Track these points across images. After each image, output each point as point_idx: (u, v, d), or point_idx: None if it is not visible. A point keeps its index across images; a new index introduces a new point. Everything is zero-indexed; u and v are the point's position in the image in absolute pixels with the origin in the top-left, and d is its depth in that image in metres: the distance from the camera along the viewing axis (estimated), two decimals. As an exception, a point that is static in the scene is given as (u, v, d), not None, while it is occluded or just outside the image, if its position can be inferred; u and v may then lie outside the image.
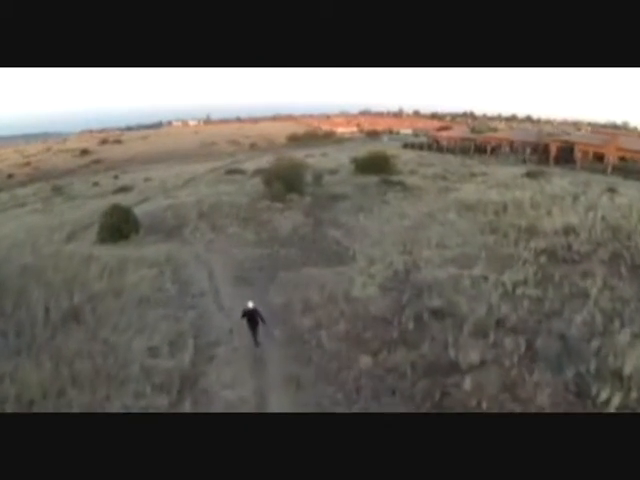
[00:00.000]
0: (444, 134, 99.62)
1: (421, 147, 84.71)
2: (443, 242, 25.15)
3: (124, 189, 59.98)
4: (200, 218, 34.51)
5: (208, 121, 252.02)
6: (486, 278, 19.47)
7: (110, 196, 55.97)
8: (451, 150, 76.62)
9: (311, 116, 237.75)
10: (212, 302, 20.64)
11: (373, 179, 44.13)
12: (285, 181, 38.99)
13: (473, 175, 47.59)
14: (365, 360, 14.78)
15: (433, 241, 25.38)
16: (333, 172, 52.53)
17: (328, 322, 17.46)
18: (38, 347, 16.99)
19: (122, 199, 49.43)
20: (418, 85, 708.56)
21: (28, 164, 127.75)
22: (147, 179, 69.21)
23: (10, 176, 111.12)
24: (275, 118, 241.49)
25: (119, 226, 32.45)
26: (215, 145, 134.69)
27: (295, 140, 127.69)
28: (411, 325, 16.49)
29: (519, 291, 17.97)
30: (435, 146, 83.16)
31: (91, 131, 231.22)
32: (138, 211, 38.91)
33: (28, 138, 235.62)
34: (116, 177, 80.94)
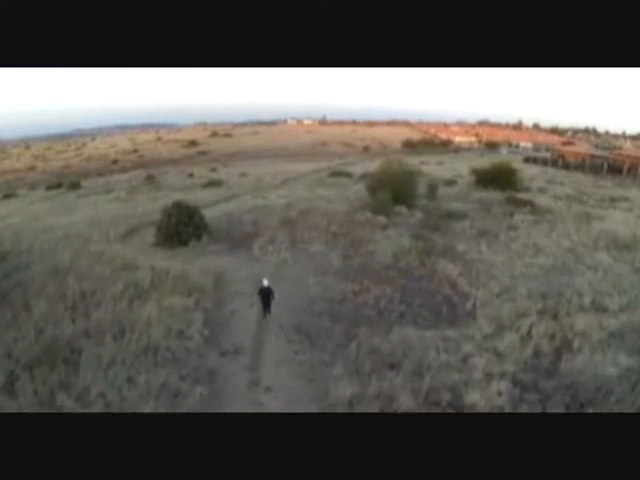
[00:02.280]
0: (571, 150, 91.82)
1: (545, 162, 75.63)
2: (601, 301, 17.26)
3: (214, 183, 55.87)
4: (282, 226, 28.20)
5: (323, 121, 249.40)
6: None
7: (198, 190, 52.30)
8: (578, 168, 67.71)
9: (428, 123, 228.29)
10: (241, 371, 13.74)
11: (497, 195, 36.41)
12: (393, 190, 31.69)
13: (613, 200, 38.57)
14: None
15: (586, 298, 17.44)
16: (450, 183, 45.50)
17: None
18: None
19: (207, 195, 46.71)
20: (537, 97, 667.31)
21: (135, 151, 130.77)
22: (243, 174, 64.90)
23: (115, 162, 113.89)
24: (391, 123, 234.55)
25: (177, 229, 27.33)
26: (326, 146, 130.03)
27: (410, 146, 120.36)
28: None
29: None
30: (561, 162, 73.94)
31: (206, 123, 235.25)
32: (216, 211, 34.98)
33: (146, 128, 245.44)
34: (213, 170, 77.40)
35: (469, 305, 17.67)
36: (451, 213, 31.19)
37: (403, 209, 31.17)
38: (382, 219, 28.67)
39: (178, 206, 28.01)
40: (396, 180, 32.92)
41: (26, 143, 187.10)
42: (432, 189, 37.50)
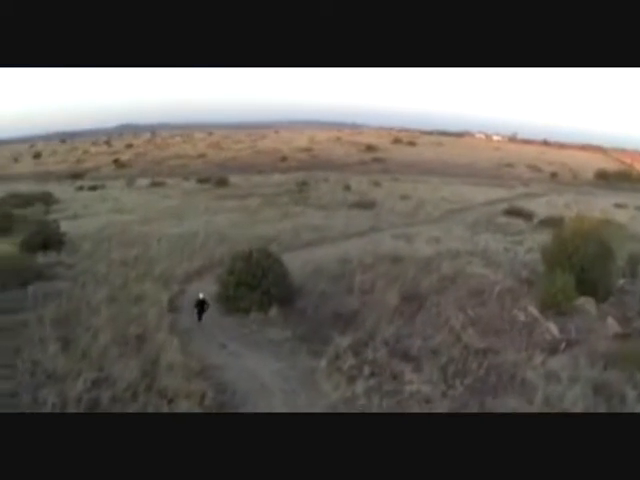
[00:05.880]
0: None
1: None
2: None
3: (364, 205, 47.44)
4: (399, 309, 18.45)
5: (513, 138, 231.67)
6: None
7: (341, 211, 44.48)
8: None
9: (624, 150, 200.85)
10: None
11: None
12: (579, 268, 19.62)
13: None
14: None
15: None
16: (658, 249, 30.75)
17: None
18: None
19: (345, 221, 39.00)
20: None
21: (308, 150, 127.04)
22: (404, 197, 55.19)
23: (283, 159, 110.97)
24: (583, 147, 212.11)
25: (236, 292, 19.47)
26: (511, 167, 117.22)
27: (603, 178, 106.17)
28: None
29: None
30: None
31: (391, 128, 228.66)
32: (331, 253, 26.88)
33: (340, 126, 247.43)
34: (376, 184, 67.95)
35: None
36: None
37: (590, 304, 18.62)
38: (552, 328, 16.96)
39: (246, 260, 19.65)
40: (586, 255, 20.69)
41: (210, 130, 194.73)
42: (634, 263, 23.94)
